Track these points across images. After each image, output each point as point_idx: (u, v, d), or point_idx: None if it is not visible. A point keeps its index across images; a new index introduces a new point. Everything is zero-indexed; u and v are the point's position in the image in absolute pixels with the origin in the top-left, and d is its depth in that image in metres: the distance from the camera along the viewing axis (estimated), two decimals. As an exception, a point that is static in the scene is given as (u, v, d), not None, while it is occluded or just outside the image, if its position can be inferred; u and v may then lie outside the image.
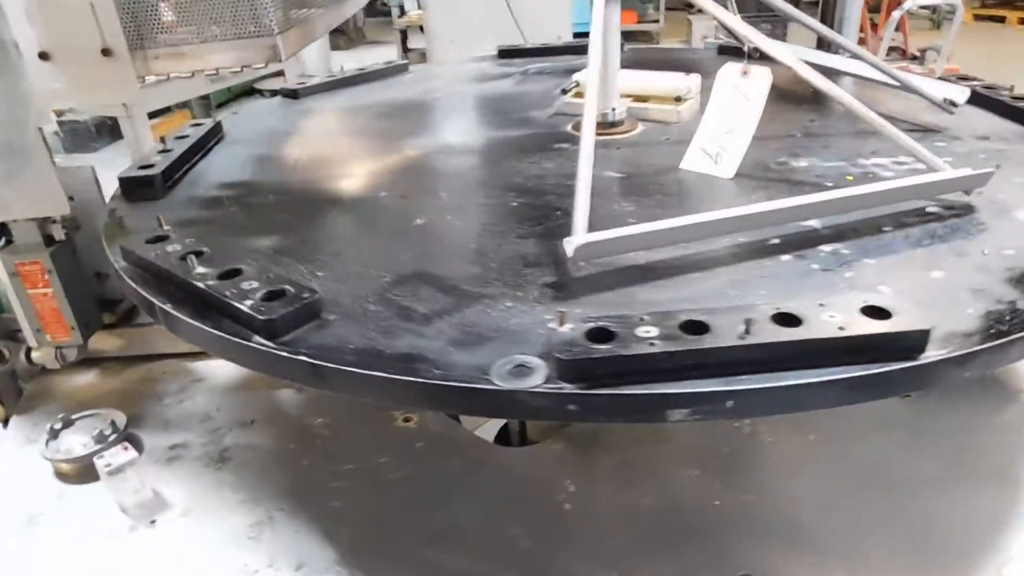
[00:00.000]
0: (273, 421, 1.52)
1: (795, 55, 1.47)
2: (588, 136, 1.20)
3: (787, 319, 0.84)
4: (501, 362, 0.84)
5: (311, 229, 1.29)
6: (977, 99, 1.63)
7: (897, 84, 1.57)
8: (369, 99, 2.07)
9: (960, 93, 1.60)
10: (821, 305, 0.86)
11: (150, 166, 1.50)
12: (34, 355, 1.64)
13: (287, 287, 0.99)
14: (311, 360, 0.89)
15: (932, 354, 0.82)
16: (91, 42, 1.27)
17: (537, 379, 0.81)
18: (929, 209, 1.19)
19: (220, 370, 1.71)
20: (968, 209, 1.19)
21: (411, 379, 0.85)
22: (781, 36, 10.38)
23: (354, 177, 1.57)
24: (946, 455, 1.31)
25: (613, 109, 1.68)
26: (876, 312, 0.84)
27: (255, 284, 1.02)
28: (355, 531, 1.24)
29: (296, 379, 0.94)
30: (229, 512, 1.30)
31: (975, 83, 1.70)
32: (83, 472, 1.41)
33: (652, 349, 0.81)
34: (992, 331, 0.87)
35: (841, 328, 0.82)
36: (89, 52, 1.28)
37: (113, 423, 1.46)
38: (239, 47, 1.33)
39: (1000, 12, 11.72)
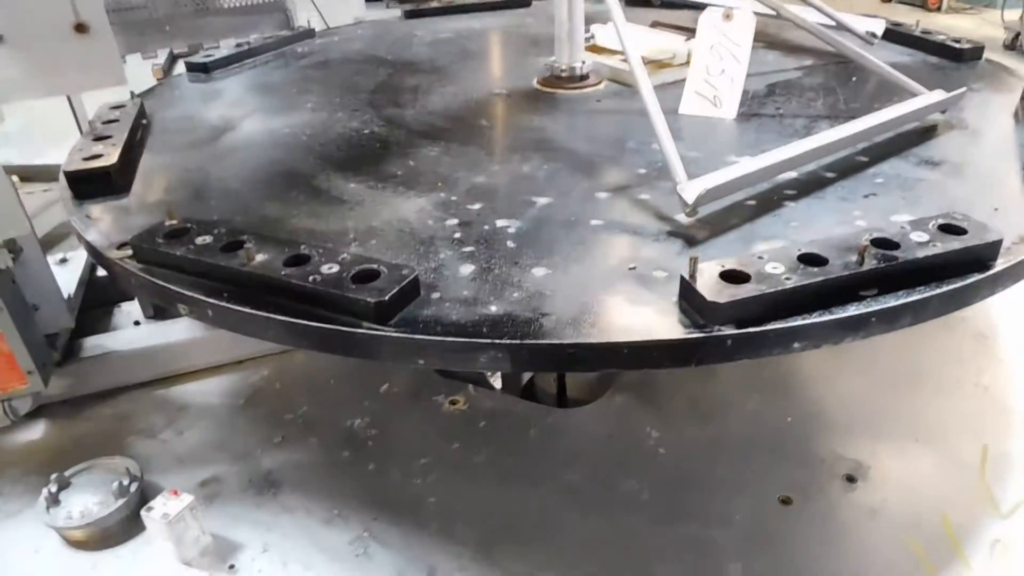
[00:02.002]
0: (304, 434, 1.39)
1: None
2: (647, 92, 1.20)
3: (886, 243, 0.92)
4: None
5: (313, 203, 1.16)
6: (889, 34, 1.85)
7: (833, 23, 1.72)
8: (281, 75, 1.87)
9: (878, 26, 1.80)
10: (903, 227, 0.94)
11: (97, 156, 1.26)
12: (-27, 414, 1.34)
13: (377, 266, 0.90)
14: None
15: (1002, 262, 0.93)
16: (60, 17, 1.03)
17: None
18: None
19: (199, 393, 1.52)
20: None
21: (601, 341, 0.82)
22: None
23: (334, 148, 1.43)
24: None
25: (583, 63, 1.69)
26: (953, 229, 0.94)
27: (334, 267, 0.92)
28: (470, 523, 1.18)
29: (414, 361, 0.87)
30: (317, 537, 1.18)
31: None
32: (103, 536, 1.19)
33: (789, 284, 0.85)
34: None
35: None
36: (58, 30, 1.04)
37: (127, 470, 1.25)
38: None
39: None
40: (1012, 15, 7.92)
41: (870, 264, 0.88)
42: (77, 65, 1.05)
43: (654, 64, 1.71)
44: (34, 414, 1.44)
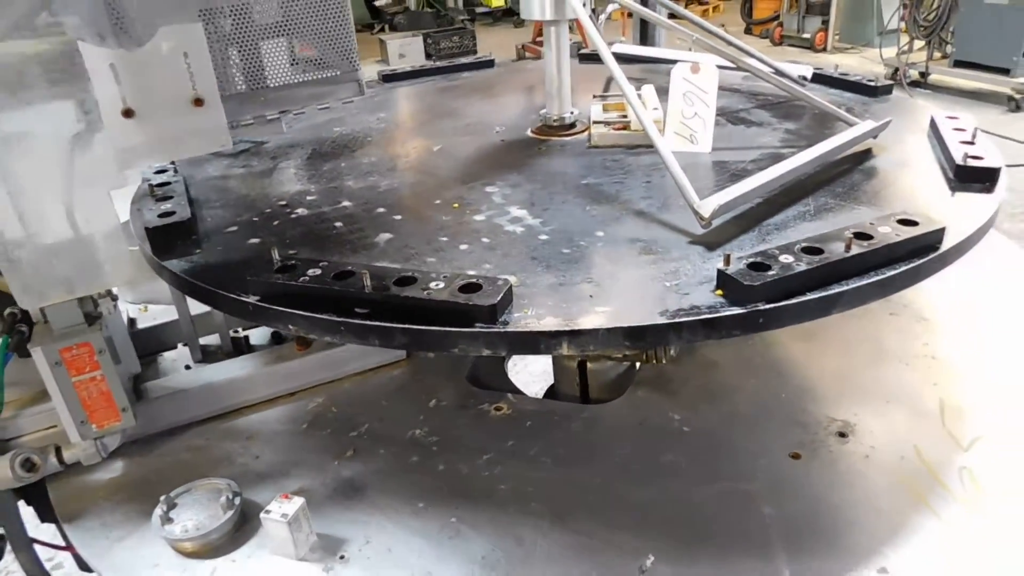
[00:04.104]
0: (371, 446, 1.55)
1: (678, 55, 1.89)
2: (657, 138, 1.47)
3: (862, 236, 1.21)
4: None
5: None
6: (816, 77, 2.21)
7: (771, 69, 2.06)
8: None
9: (808, 71, 2.16)
10: (871, 223, 1.25)
11: (171, 213, 1.45)
12: (67, 454, 1.45)
13: (478, 280, 1.14)
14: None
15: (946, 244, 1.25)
16: (181, 93, 1.22)
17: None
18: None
19: (262, 422, 1.66)
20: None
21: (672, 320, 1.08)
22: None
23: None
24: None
25: (572, 112, 1.96)
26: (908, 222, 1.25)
27: (440, 284, 1.14)
28: (542, 501, 1.38)
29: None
30: (411, 526, 1.35)
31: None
32: (216, 545, 1.33)
33: (802, 268, 1.13)
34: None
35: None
36: (179, 104, 1.23)
37: (228, 487, 1.39)
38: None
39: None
40: (888, 52, 8.84)
41: (855, 250, 1.16)
42: (194, 133, 1.23)
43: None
44: (112, 454, 1.55)
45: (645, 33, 2.99)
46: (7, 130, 1.12)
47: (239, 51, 1.34)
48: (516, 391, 1.73)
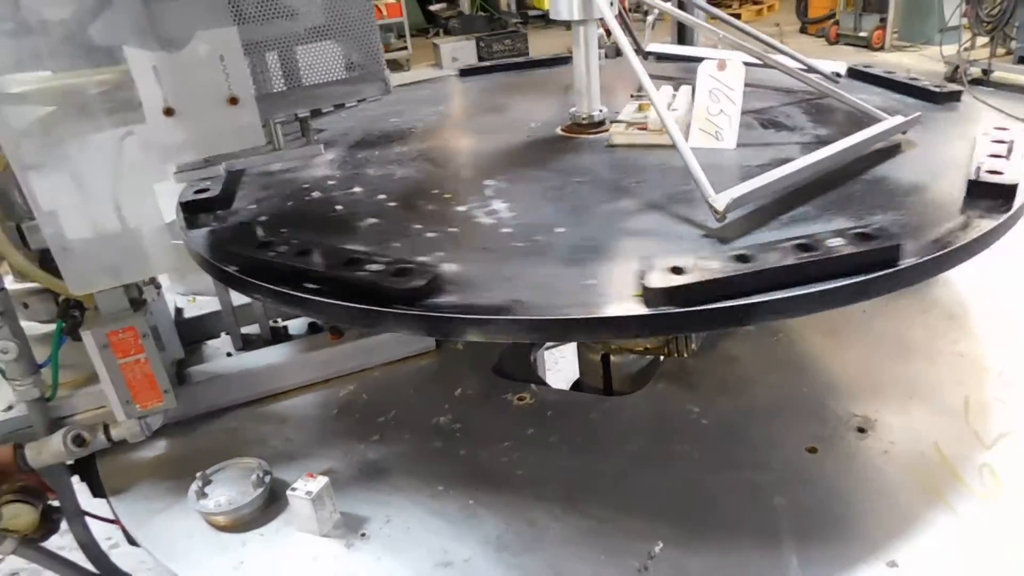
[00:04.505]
0: (397, 431, 1.61)
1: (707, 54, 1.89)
2: (675, 133, 1.50)
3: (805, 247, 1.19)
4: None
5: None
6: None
7: (804, 66, 2.05)
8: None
9: (842, 68, 2.15)
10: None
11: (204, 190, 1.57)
12: (114, 432, 1.55)
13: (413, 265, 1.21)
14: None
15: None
16: (218, 93, 1.31)
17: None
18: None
19: (295, 407, 1.74)
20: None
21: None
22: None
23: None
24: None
25: (600, 110, 1.99)
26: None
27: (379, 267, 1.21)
28: (556, 486, 1.42)
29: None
30: (430, 507, 1.40)
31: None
32: (247, 520, 1.41)
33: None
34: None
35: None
36: (215, 103, 1.31)
37: (259, 466, 1.47)
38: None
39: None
40: (948, 50, 8.57)
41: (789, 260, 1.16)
42: (230, 130, 1.31)
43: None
44: (155, 433, 1.65)
45: (683, 32, 3.00)
46: (68, 142, 1.22)
47: (277, 54, 1.41)
48: (541, 383, 1.77)
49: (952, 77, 8.46)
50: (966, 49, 8.50)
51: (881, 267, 1.16)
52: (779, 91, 2.19)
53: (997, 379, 1.60)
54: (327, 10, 1.41)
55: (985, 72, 8.34)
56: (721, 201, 1.34)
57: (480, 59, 11.86)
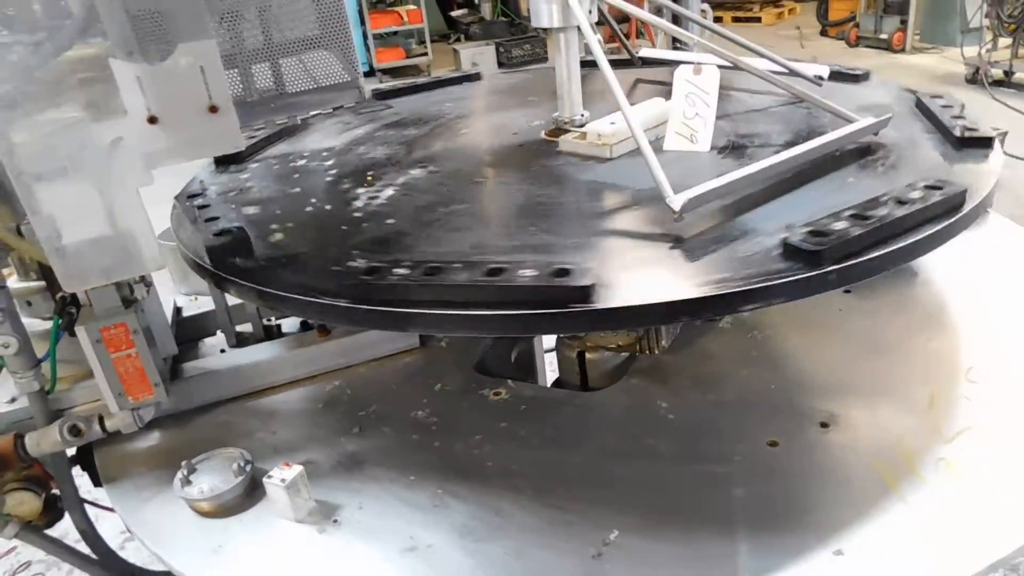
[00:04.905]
0: (377, 424, 1.68)
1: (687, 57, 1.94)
2: (640, 135, 1.55)
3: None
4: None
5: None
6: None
7: (785, 70, 2.09)
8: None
9: (824, 71, 2.18)
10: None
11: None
12: (108, 423, 1.64)
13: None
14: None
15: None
16: (198, 102, 1.39)
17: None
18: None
19: (283, 402, 1.81)
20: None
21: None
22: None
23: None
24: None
25: (582, 115, 2.05)
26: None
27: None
28: (525, 477, 1.47)
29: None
30: (402, 496, 1.46)
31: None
32: (228, 507, 1.48)
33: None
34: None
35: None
36: (196, 111, 1.39)
37: (241, 456, 1.54)
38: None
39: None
40: (970, 51, 8.48)
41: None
42: (211, 137, 1.39)
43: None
44: (149, 425, 1.73)
45: (677, 39, 3.04)
46: (59, 150, 1.31)
47: (260, 65, 1.48)
48: (519, 379, 1.82)
49: (973, 78, 8.37)
50: (988, 50, 8.41)
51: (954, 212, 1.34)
52: (762, 95, 2.23)
53: (964, 376, 1.63)
54: (309, 24, 1.49)
55: (1007, 73, 8.24)
56: (678, 201, 1.38)
57: (500, 64, 11.95)
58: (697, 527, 1.32)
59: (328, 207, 1.76)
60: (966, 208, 1.38)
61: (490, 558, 1.31)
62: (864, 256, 1.24)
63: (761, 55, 2.08)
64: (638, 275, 1.32)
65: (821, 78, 2.16)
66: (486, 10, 14.99)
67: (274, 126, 1.89)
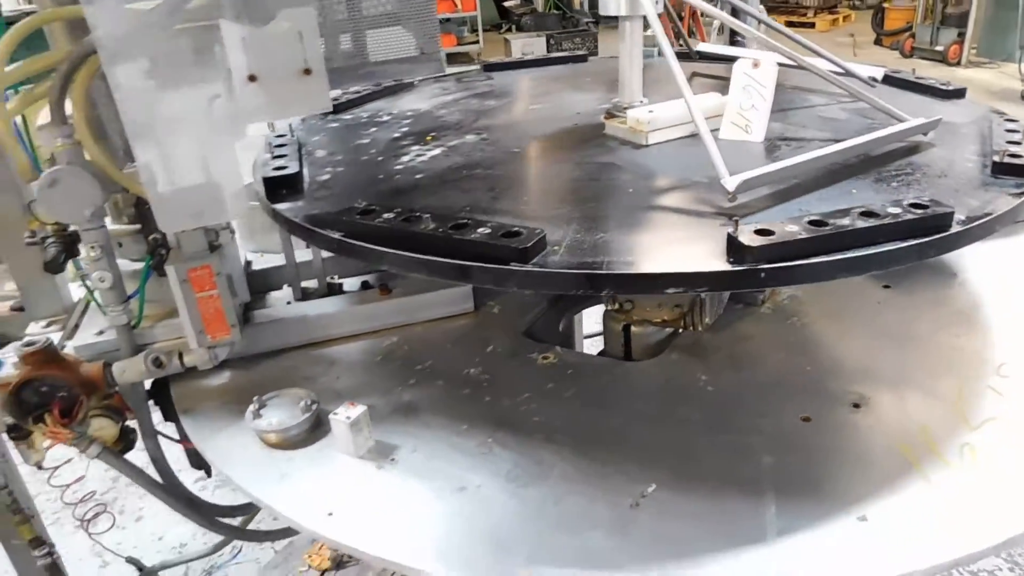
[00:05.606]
0: (431, 378, 1.80)
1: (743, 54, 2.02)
2: (700, 119, 1.64)
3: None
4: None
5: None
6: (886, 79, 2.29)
7: (841, 70, 2.15)
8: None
9: (879, 72, 2.24)
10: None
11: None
12: (187, 358, 1.78)
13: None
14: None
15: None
16: (294, 64, 1.51)
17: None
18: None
19: (344, 353, 1.94)
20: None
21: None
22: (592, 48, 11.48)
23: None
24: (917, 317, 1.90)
25: (641, 101, 2.14)
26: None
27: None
28: (567, 433, 1.58)
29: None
30: (452, 442, 1.58)
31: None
32: (294, 440, 1.61)
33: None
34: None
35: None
36: (292, 72, 1.51)
37: (308, 395, 1.67)
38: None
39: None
40: (1028, 68, 8.33)
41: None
42: (302, 97, 1.51)
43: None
44: (221, 365, 1.87)
45: (735, 33, 3.11)
46: (167, 105, 1.44)
47: (351, 35, 1.60)
48: (566, 346, 1.93)
49: (1029, 95, 8.24)
50: (1047, 67, 8.27)
51: (936, 231, 1.35)
52: (814, 93, 2.30)
53: (995, 371, 1.69)
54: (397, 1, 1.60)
55: (1065, 92, 8.10)
56: (733, 182, 1.47)
57: (549, 56, 12.00)
58: (728, 488, 1.42)
59: (380, 158, 1.92)
60: (949, 231, 1.37)
61: (533, 502, 1.41)
62: (797, 261, 1.28)
63: (818, 54, 2.15)
64: (591, 248, 1.41)
65: (875, 79, 2.23)
66: (539, 2, 15.07)
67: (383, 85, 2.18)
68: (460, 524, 1.38)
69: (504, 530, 1.35)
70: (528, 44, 11.93)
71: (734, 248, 1.29)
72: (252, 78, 1.49)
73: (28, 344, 1.69)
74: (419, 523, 1.40)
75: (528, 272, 1.30)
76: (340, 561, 3.09)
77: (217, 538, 2.75)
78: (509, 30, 14.45)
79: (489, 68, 2.74)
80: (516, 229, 1.36)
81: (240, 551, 3.38)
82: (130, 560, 2.68)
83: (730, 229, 1.31)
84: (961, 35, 10.13)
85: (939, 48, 10.34)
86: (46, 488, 2.17)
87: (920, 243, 1.32)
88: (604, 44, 12.45)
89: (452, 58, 11.84)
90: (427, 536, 1.36)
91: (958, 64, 10.18)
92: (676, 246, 1.43)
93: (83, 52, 1.52)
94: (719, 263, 1.29)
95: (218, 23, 1.43)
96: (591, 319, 2.93)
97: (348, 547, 1.39)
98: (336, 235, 1.49)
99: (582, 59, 2.95)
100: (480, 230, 1.38)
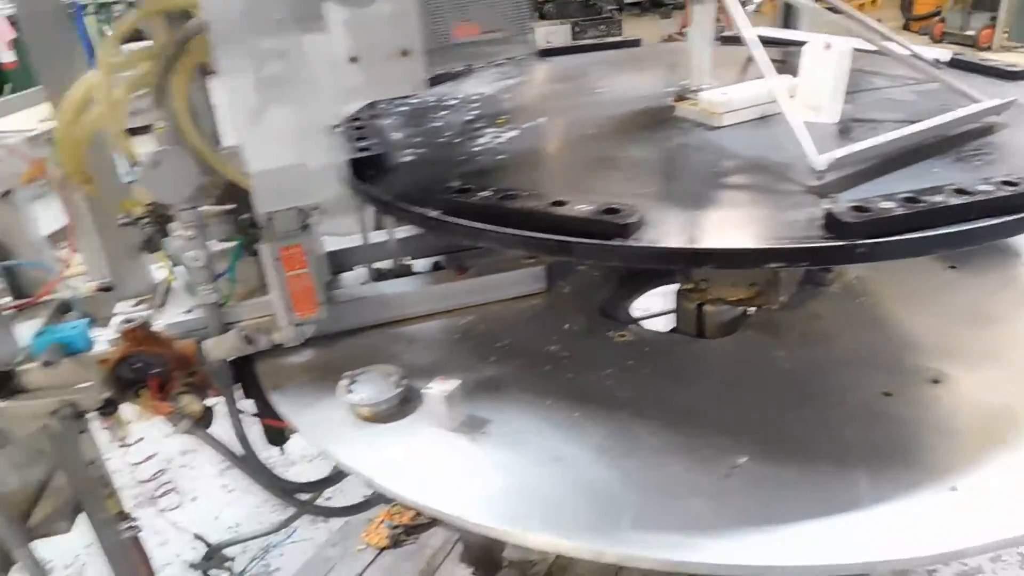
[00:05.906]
0: (511, 355, 1.84)
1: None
2: (784, 100, 1.67)
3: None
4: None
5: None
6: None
7: (908, 51, 2.17)
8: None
9: (945, 55, 2.25)
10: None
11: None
12: (275, 335, 1.83)
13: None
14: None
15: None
16: (394, 46, 1.55)
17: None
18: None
19: (422, 331, 1.99)
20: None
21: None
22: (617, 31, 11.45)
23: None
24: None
25: (710, 84, 2.16)
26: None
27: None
28: (655, 407, 1.62)
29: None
30: (541, 414, 1.62)
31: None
32: (385, 414, 1.66)
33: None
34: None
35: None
36: (391, 53, 1.56)
37: (396, 371, 1.72)
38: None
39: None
40: (1062, 52, 8.23)
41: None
42: (399, 78, 1.56)
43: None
44: (304, 343, 1.93)
45: (788, 17, 3.12)
46: (268, 75, 1.48)
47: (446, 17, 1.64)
48: (639, 324, 1.97)
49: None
50: (1083, 52, 8.17)
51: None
52: (881, 76, 2.31)
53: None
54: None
55: (1102, 77, 7.98)
56: (823, 161, 1.50)
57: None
58: (817, 460, 1.45)
59: (457, 140, 1.97)
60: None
61: (631, 470, 1.46)
62: (896, 236, 1.31)
63: (886, 36, 2.16)
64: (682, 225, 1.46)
65: (940, 61, 2.24)
66: (561, -11, 14.99)
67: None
68: (561, 491, 1.42)
69: (605, 496, 1.39)
70: (552, 32, 11.90)
71: (833, 224, 1.32)
72: (353, 59, 1.54)
73: (127, 321, 1.75)
74: (519, 491, 1.44)
75: (632, 248, 1.34)
76: (397, 539, 3.16)
77: (270, 519, 2.82)
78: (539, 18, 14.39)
79: (545, 53, 2.78)
80: (616, 206, 1.39)
81: (295, 531, 3.46)
82: (197, 537, 2.76)
83: (827, 205, 1.34)
84: (993, 19, 10.00)
85: (970, 32, 10.23)
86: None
87: (1016, 218, 1.34)
88: (628, 31, 12.39)
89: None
90: (529, 503, 1.41)
91: (989, 49, 10.06)
92: (769, 223, 1.46)
93: (185, 36, 1.57)
94: (817, 239, 1.32)
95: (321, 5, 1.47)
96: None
97: (448, 515, 1.44)
98: (434, 213, 1.53)
99: (634, 43, 2.98)
100: (579, 207, 1.41)
